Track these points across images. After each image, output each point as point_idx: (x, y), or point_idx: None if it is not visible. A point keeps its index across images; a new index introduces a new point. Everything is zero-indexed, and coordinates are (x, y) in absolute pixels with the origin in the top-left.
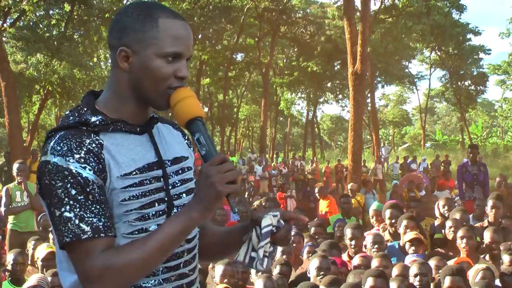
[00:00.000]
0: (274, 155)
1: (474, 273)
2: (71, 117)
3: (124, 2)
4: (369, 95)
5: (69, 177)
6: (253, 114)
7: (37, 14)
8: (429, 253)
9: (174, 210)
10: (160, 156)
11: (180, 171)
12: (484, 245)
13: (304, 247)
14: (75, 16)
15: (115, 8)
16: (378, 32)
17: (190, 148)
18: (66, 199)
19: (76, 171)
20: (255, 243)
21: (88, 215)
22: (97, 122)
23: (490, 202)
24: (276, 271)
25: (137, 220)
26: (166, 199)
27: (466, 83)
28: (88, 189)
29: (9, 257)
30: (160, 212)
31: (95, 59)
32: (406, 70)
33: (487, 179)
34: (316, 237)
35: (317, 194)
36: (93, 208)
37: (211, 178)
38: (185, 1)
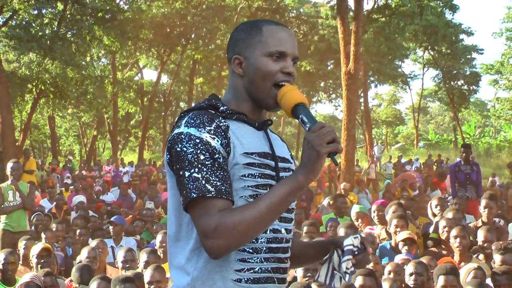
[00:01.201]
0: None
1: (466, 273)
2: (202, 103)
3: (117, 1)
4: (362, 94)
5: (200, 144)
6: None
7: (30, 13)
8: (421, 252)
9: None
10: (274, 151)
11: (287, 169)
12: (478, 245)
13: None
14: (68, 15)
15: (108, 7)
16: (371, 31)
17: (292, 160)
18: (196, 162)
19: (206, 140)
20: (336, 263)
21: (214, 178)
22: (224, 110)
23: (483, 202)
24: None
25: (250, 197)
26: None
27: (459, 83)
28: (215, 156)
29: (0, 257)
30: None
31: (88, 58)
32: (399, 70)
33: (480, 179)
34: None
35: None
36: (218, 173)
37: (311, 142)
38: (178, 0)
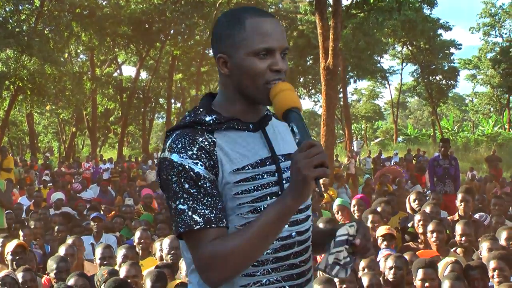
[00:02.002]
0: None
1: (443, 266)
2: (188, 117)
3: None
4: (341, 90)
5: (183, 172)
6: None
7: (7, 9)
8: (400, 247)
9: None
10: (274, 152)
11: None
12: (456, 238)
13: None
14: (46, 11)
15: (86, 3)
16: (350, 27)
17: None
18: (181, 192)
19: (188, 166)
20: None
21: (201, 207)
22: (211, 121)
23: (459, 196)
24: None
25: (249, 213)
26: (279, 192)
27: (437, 78)
28: (199, 183)
29: None
30: None
31: (66, 55)
32: (378, 65)
33: (458, 173)
34: None
35: None
36: (204, 201)
37: (298, 163)
38: None
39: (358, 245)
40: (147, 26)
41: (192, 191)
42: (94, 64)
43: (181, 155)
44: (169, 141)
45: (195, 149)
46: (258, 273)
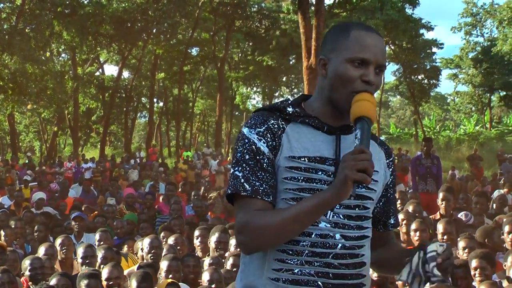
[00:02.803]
0: (230, 150)
1: None
2: (275, 104)
3: None
4: None
5: (247, 144)
6: (209, 108)
7: None
8: None
9: (337, 206)
10: (338, 156)
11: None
12: (437, 237)
13: None
14: (27, 10)
15: (67, 2)
16: (333, 26)
17: (388, 169)
18: (241, 161)
19: (253, 140)
20: (414, 264)
21: (253, 178)
22: (290, 112)
23: (440, 195)
24: (229, 263)
25: (292, 200)
26: None
27: (420, 77)
28: (258, 157)
29: None
30: None
31: (47, 54)
32: None
33: (440, 172)
34: None
35: None
36: (258, 174)
37: (344, 163)
38: None
39: (438, 264)
40: (129, 25)
41: (250, 162)
42: (76, 63)
43: (251, 130)
44: (250, 117)
45: (264, 128)
46: (291, 262)
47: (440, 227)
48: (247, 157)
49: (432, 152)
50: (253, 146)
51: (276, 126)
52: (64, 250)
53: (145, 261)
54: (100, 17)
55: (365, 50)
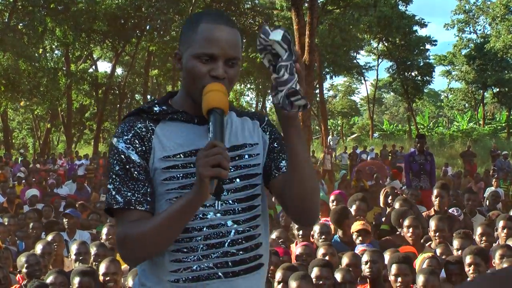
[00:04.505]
0: None
1: (421, 261)
2: (141, 107)
3: None
4: (317, 85)
5: (116, 155)
6: None
7: None
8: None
9: (224, 193)
10: None
11: (236, 158)
12: (430, 234)
13: None
14: (20, 6)
15: None
16: (326, 23)
17: (265, 133)
18: (111, 173)
19: (121, 150)
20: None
21: (124, 189)
22: (157, 112)
23: (435, 191)
24: None
25: (176, 199)
26: None
27: (413, 74)
28: (127, 166)
29: None
30: None
31: (40, 50)
32: (354, 61)
33: (434, 169)
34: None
35: None
36: (129, 184)
37: (197, 161)
38: None
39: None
40: (122, 21)
41: (120, 173)
42: (69, 59)
43: (119, 139)
44: (118, 126)
45: (131, 135)
46: (188, 260)
47: (432, 224)
48: (117, 168)
49: (426, 149)
50: (122, 156)
51: (144, 129)
52: (55, 247)
53: None
54: (94, 14)
55: (211, 45)
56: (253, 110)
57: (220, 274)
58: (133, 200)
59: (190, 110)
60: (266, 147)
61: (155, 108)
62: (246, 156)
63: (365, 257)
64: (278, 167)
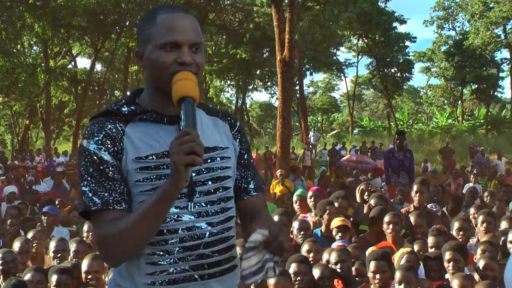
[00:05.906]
0: None
1: (399, 257)
2: (109, 107)
3: None
4: (297, 82)
5: (88, 157)
6: None
7: None
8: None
9: (196, 195)
10: None
11: (208, 160)
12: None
13: None
14: None
15: None
16: (306, 19)
17: (235, 140)
18: (85, 175)
19: (93, 151)
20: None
21: (101, 189)
22: (126, 112)
23: (415, 187)
24: None
25: None
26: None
27: (392, 70)
28: (101, 167)
29: None
30: (178, 195)
31: (19, 46)
32: (334, 58)
33: (413, 165)
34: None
35: None
36: (105, 184)
37: (171, 150)
38: None
39: (270, 247)
40: (102, 17)
41: (95, 174)
42: (48, 55)
43: (89, 140)
44: (87, 127)
45: (101, 135)
46: (164, 262)
47: (411, 220)
48: (91, 169)
49: (405, 145)
50: (95, 157)
51: (114, 130)
52: (35, 244)
53: None
54: (73, 10)
55: (173, 33)
56: (233, 107)
57: (196, 276)
58: (110, 200)
59: (159, 109)
60: (236, 154)
61: (123, 109)
62: (218, 159)
63: (333, 257)
64: (247, 189)
